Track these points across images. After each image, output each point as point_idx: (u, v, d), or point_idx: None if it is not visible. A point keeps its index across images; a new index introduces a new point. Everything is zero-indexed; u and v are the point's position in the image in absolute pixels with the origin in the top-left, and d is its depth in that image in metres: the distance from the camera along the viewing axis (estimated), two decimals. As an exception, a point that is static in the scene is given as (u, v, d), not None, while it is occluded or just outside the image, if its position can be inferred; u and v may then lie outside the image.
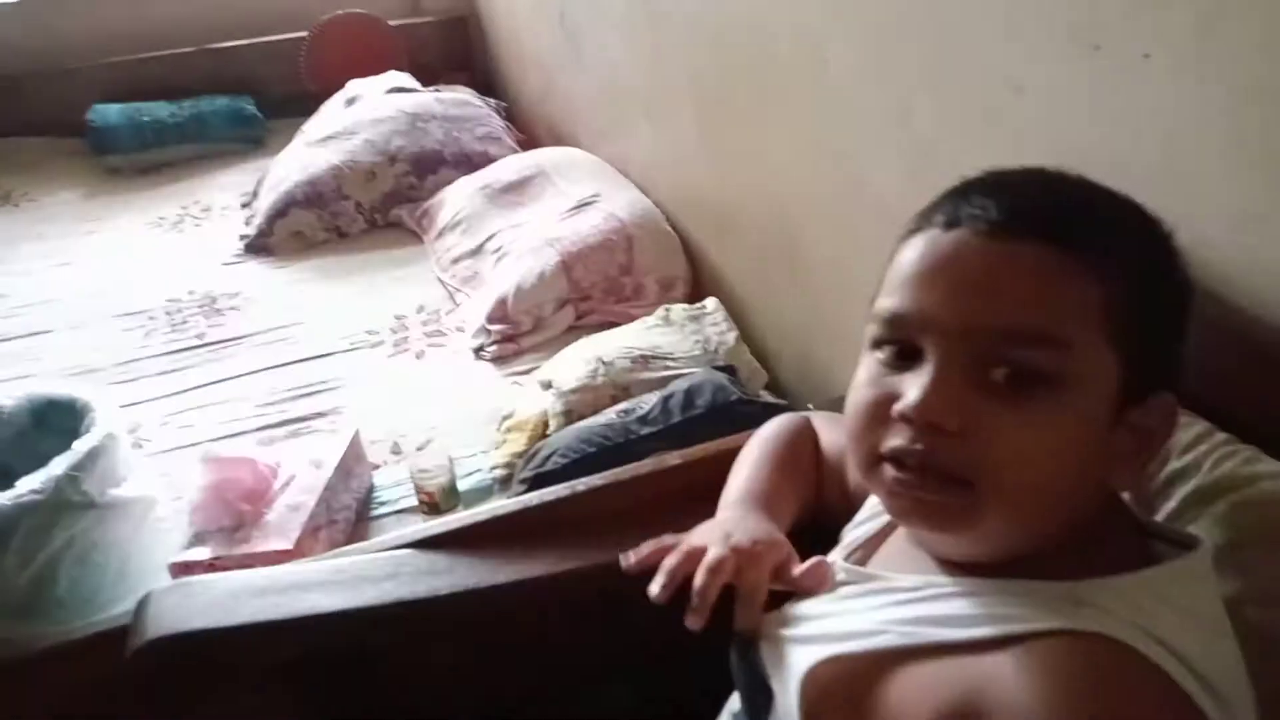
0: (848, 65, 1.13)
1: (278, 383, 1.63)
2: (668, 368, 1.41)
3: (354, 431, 1.29)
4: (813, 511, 0.74)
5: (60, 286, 2.02)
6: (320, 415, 1.53)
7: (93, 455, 1.00)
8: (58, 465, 0.98)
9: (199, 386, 1.64)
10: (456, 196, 2.10)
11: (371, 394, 1.58)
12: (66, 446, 1.08)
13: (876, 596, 0.53)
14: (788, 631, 0.57)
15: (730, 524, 0.65)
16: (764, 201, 1.45)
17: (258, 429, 1.49)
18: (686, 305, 1.57)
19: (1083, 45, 0.76)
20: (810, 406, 0.95)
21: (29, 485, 0.95)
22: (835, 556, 0.60)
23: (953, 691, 0.44)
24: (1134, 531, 0.53)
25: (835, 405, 0.94)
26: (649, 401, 1.28)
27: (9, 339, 1.82)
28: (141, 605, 0.84)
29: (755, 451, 0.76)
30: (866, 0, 1.07)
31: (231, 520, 1.11)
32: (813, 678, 0.51)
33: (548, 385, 1.42)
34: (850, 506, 0.68)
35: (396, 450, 1.43)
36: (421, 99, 2.43)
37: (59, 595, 0.98)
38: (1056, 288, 0.46)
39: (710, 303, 1.56)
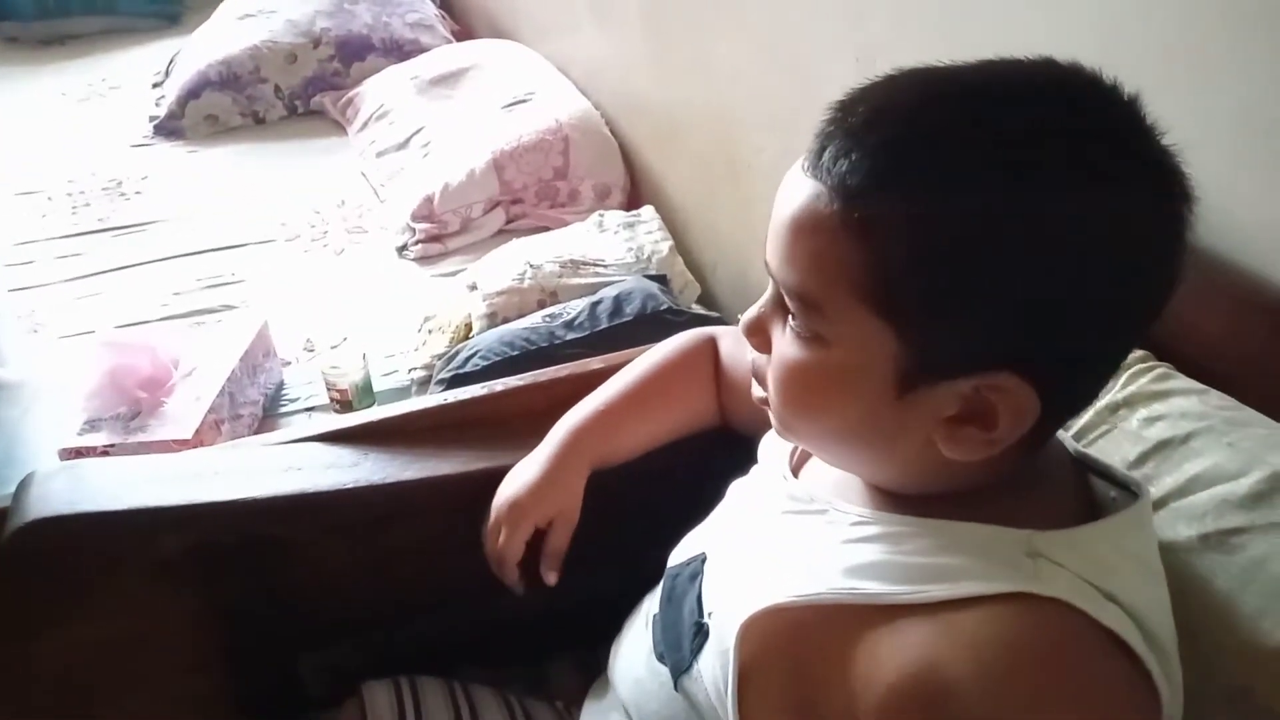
0: None
1: (184, 272, 1.55)
2: (598, 274, 1.37)
3: (262, 323, 1.23)
4: (711, 423, 0.75)
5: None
6: (229, 308, 1.46)
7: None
8: (-69, 340, 0.91)
9: (100, 273, 1.55)
10: (384, 86, 1.99)
11: (285, 289, 1.52)
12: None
13: (820, 528, 0.50)
14: (733, 559, 0.55)
15: (523, 471, 0.72)
16: (709, 110, 1.40)
17: (161, 319, 1.42)
18: (622, 212, 1.53)
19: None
20: (740, 319, 0.93)
21: (-103, 360, 0.88)
22: (775, 470, 0.58)
23: (909, 661, 0.42)
24: (1070, 467, 0.50)
25: None
26: (576, 307, 1.25)
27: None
28: (23, 486, 0.79)
29: (634, 368, 0.76)
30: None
31: (128, 407, 1.06)
32: (751, 628, 0.48)
33: (473, 287, 1.37)
34: (764, 421, 0.67)
35: (310, 348, 1.37)
36: (350, -20, 2.28)
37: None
38: (819, 246, 0.43)
39: (646, 211, 1.52)
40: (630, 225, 1.49)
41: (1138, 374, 0.63)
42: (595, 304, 1.26)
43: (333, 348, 1.35)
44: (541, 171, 1.70)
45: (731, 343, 0.77)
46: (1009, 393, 0.42)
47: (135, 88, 2.21)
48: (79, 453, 0.99)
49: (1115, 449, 0.59)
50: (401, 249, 1.62)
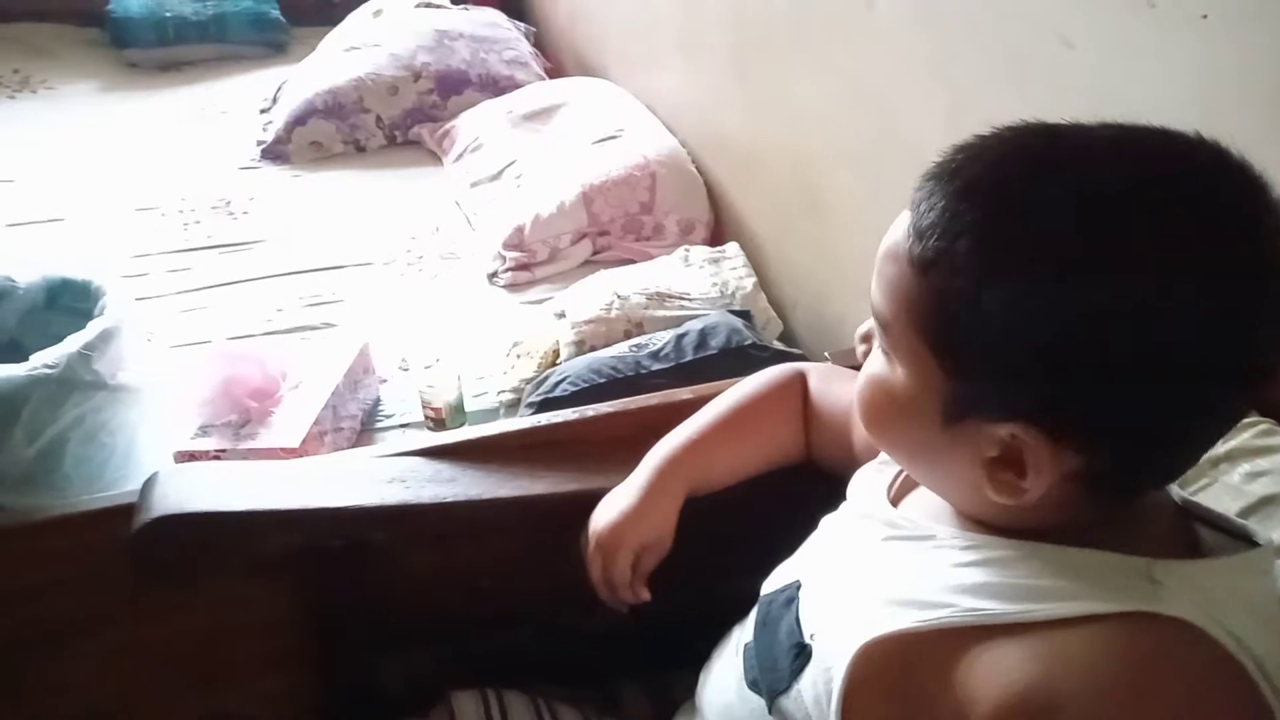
0: (893, 9, 1.11)
1: (288, 290, 1.63)
2: (683, 307, 1.40)
3: (364, 343, 1.29)
4: (798, 457, 0.77)
5: (75, 176, 1.99)
6: (329, 326, 1.53)
7: (105, 337, 1.00)
8: (71, 343, 0.98)
9: (208, 287, 1.63)
10: (479, 120, 2.07)
11: (382, 310, 1.58)
12: (78, 327, 1.08)
13: (928, 553, 0.51)
14: (833, 585, 0.56)
15: (620, 498, 0.73)
16: (792, 147, 1.43)
17: (266, 333, 1.49)
18: (708, 248, 1.56)
19: (1136, 1, 0.75)
20: (827, 356, 0.95)
21: (43, 360, 0.95)
22: (870, 502, 0.59)
23: (1022, 676, 0.42)
24: (1175, 513, 0.50)
25: (848, 358, 0.95)
26: (662, 338, 1.28)
27: (24, 224, 1.80)
28: (148, 484, 0.85)
29: (725, 399, 0.78)
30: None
31: (238, 415, 1.11)
32: (866, 653, 0.48)
33: (561, 314, 1.41)
34: (855, 458, 0.68)
35: (404, 367, 1.43)
36: (450, 16, 2.39)
37: (65, 471, 0.98)
38: (894, 273, 0.47)
39: (730, 247, 1.55)
40: (715, 261, 1.52)
41: (1240, 429, 0.63)
42: (681, 336, 1.29)
43: (427, 368, 1.41)
44: (628, 205, 1.75)
45: (819, 380, 0.79)
46: (1033, 447, 0.43)
47: (243, 112, 2.33)
48: (192, 455, 1.05)
49: (1215, 502, 0.58)
50: (492, 275, 1.68)
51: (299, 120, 2.11)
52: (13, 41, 2.53)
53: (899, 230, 0.47)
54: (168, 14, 2.56)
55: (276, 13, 2.67)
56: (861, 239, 1.26)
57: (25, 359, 1.06)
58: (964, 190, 0.44)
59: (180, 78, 2.52)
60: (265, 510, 0.81)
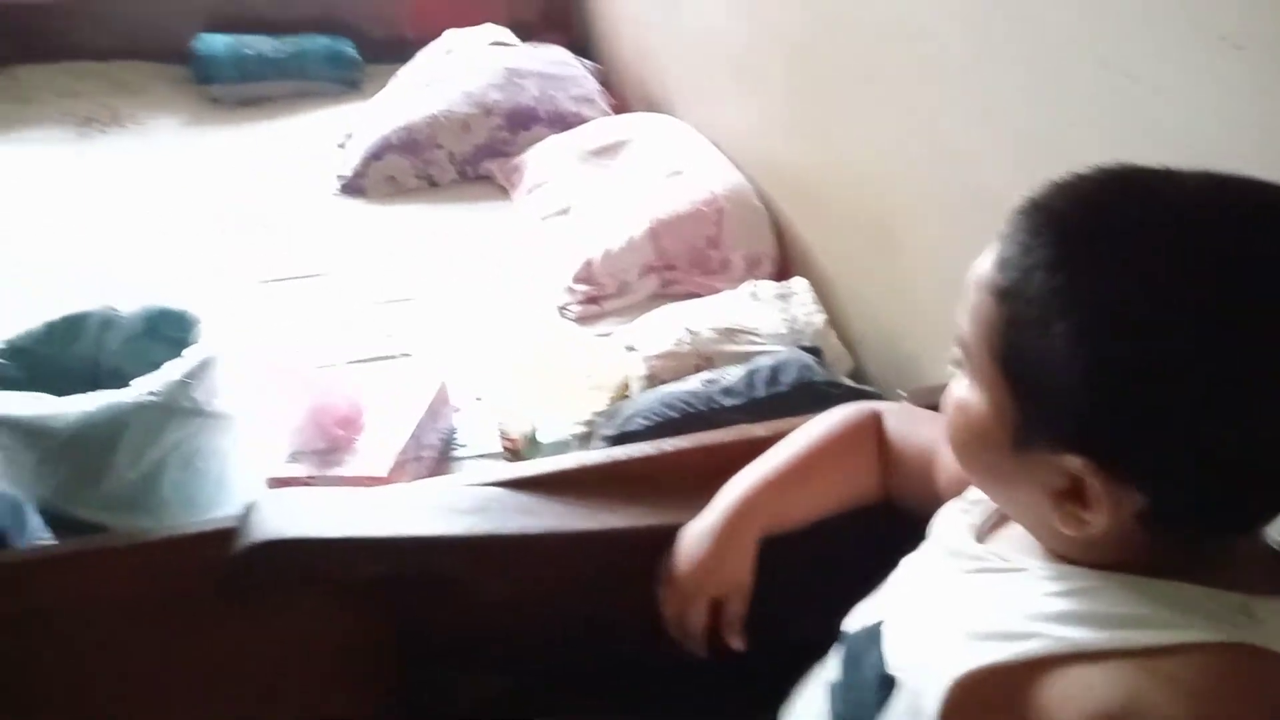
0: (964, 46, 1.11)
1: (365, 320, 1.67)
2: (753, 343, 1.41)
3: (443, 374, 1.32)
4: (873, 498, 0.77)
5: (162, 205, 2.08)
6: (406, 355, 1.57)
7: (202, 365, 1.04)
8: (171, 371, 1.02)
9: (290, 314, 1.68)
10: (548, 155, 2.11)
11: (455, 341, 1.61)
12: (174, 355, 1.13)
13: (1019, 585, 0.51)
14: (919, 620, 0.56)
15: (696, 541, 0.74)
16: (858, 182, 1.44)
17: (346, 362, 1.53)
18: (775, 283, 1.57)
19: (1223, 44, 0.74)
20: (902, 394, 0.95)
21: (146, 387, 0.99)
22: (955, 539, 0.59)
23: (1109, 700, 0.43)
24: (1273, 554, 0.50)
25: (925, 396, 0.95)
26: (733, 374, 1.29)
27: (110, 249, 1.88)
28: (250, 509, 0.88)
29: (800, 438, 0.78)
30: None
31: (326, 443, 1.15)
32: (960, 687, 0.49)
33: (632, 349, 1.43)
34: (936, 498, 0.68)
35: (478, 397, 1.46)
36: (519, 55, 2.45)
37: (163, 496, 1.02)
38: (977, 300, 0.49)
39: (799, 283, 1.56)
40: (784, 297, 1.53)
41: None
42: (752, 372, 1.29)
43: (501, 399, 1.43)
44: (695, 240, 1.77)
45: (896, 420, 0.79)
46: (1093, 482, 0.45)
47: (320, 147, 2.41)
48: (284, 482, 1.09)
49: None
50: (562, 308, 1.71)
51: (375, 156, 2.18)
52: (104, 79, 2.66)
53: (986, 259, 0.50)
54: (249, 51, 2.67)
55: (352, 50, 2.77)
56: (934, 276, 1.26)
57: (126, 385, 1.11)
58: (1044, 225, 0.46)
59: (259, 112, 2.62)
60: (360, 538, 0.84)
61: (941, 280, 1.24)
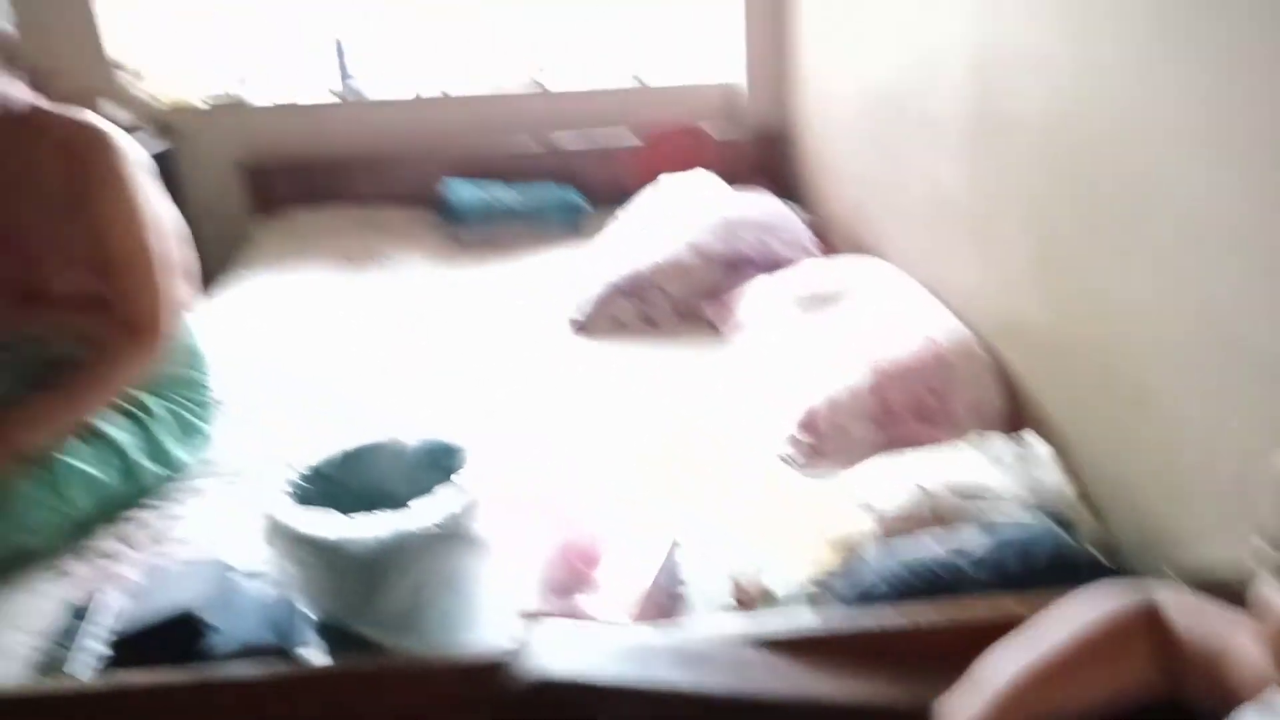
0: (1228, 201, 1.08)
1: (598, 456, 1.75)
2: (996, 507, 1.37)
3: (680, 517, 1.36)
4: (1151, 695, 0.72)
5: (414, 337, 2.30)
6: (635, 495, 1.62)
7: (472, 497, 1.13)
8: (449, 501, 1.11)
9: (532, 448, 1.79)
10: (763, 298, 2.18)
11: (681, 482, 1.66)
12: (443, 483, 1.23)
13: None
14: None
15: None
16: (1109, 339, 1.40)
17: (582, 497, 1.61)
18: (1013, 442, 1.53)
19: None
20: (1167, 573, 0.89)
21: (427, 514, 1.09)
22: None
23: None
24: None
25: (1195, 578, 0.88)
26: (979, 541, 1.25)
27: (373, 378, 2.09)
28: (524, 646, 0.93)
29: (1066, 623, 0.75)
30: (1266, 129, 1.03)
31: (573, 579, 1.20)
32: None
33: (862, 503, 1.42)
34: (1230, 699, 0.64)
35: (704, 542, 1.48)
36: (735, 204, 2.58)
37: (431, 619, 1.10)
38: None
39: (1039, 444, 1.51)
40: (1024, 459, 1.48)
41: None
42: (1002, 543, 1.25)
43: (725, 544, 1.45)
44: (919, 391, 1.75)
45: (1181, 613, 0.75)
46: None
47: (551, 286, 2.60)
48: (536, 615, 1.14)
49: None
50: (783, 456, 1.73)
51: (602, 297, 2.33)
52: (365, 222, 3.02)
53: None
54: (490, 198, 2.97)
55: (580, 198, 3.02)
56: (1201, 446, 1.19)
57: (404, 508, 1.21)
58: None
59: (495, 253, 2.87)
60: (635, 689, 0.87)
61: (1210, 451, 1.16)
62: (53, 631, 1.27)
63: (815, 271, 2.21)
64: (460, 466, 1.23)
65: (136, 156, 1.60)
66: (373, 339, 2.30)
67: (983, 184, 1.83)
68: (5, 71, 1.50)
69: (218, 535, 1.50)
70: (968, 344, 1.81)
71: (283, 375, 2.09)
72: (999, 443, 1.53)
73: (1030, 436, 1.54)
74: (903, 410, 1.75)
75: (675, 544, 1.36)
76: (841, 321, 1.99)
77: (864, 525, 1.38)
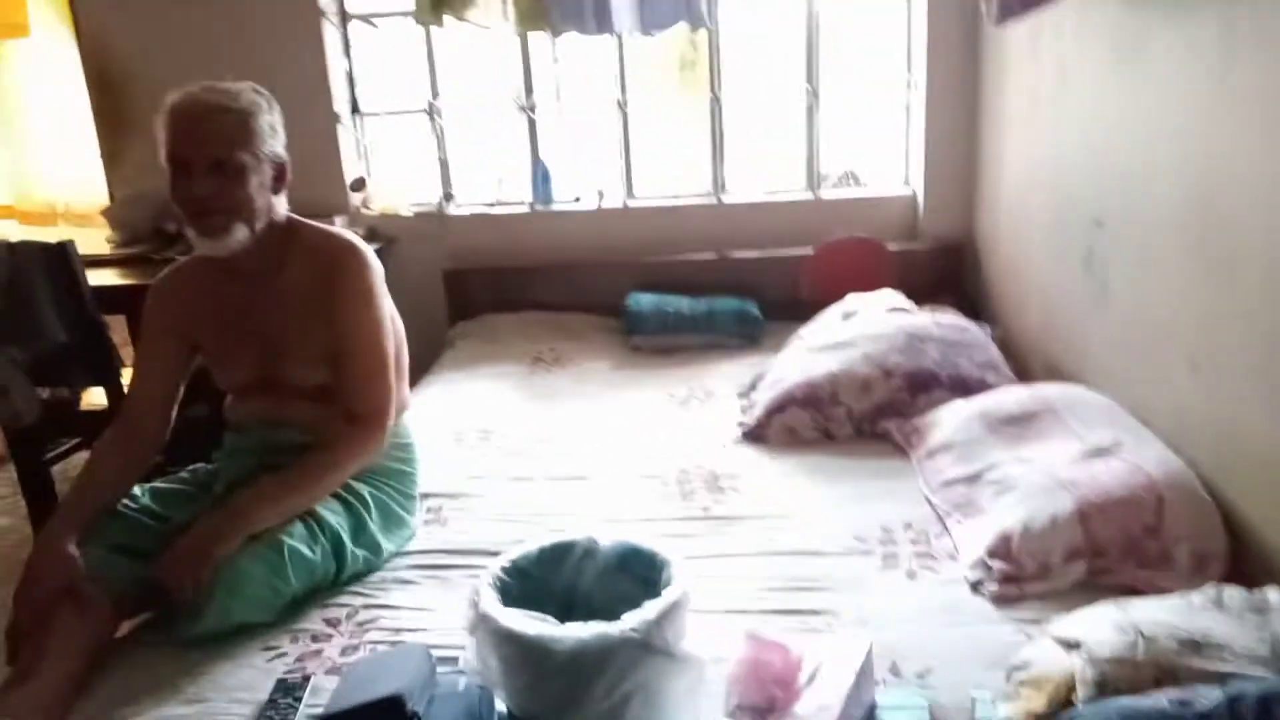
0: None
1: (773, 570, 1.73)
2: (1225, 661, 1.24)
3: (869, 644, 1.31)
4: None
5: (595, 440, 2.37)
6: (815, 613, 1.58)
7: (674, 607, 1.14)
8: (650, 610, 1.13)
9: (703, 556, 1.79)
10: (952, 419, 2.12)
11: (864, 604, 1.60)
12: (639, 590, 1.25)
13: None
14: None
15: None
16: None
17: (758, 611, 1.58)
18: (1245, 591, 1.39)
19: None
20: None
21: (630, 622, 1.11)
22: None
23: None
24: None
25: None
26: (1210, 697, 1.13)
27: (558, 478, 2.16)
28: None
29: None
30: None
31: (764, 701, 1.18)
32: None
33: (1071, 645, 1.33)
34: None
35: (895, 671, 1.42)
36: (920, 320, 2.54)
37: (626, 727, 1.10)
38: None
39: (1275, 595, 1.37)
40: (1260, 611, 1.34)
41: None
42: (1234, 700, 1.13)
43: (918, 676, 1.38)
44: (1130, 528, 1.64)
45: None
46: None
47: (724, 395, 2.63)
48: (728, 734, 1.12)
49: None
50: (975, 584, 1.64)
51: (778, 408, 2.33)
52: (554, 327, 3.18)
53: None
54: (670, 309, 3.07)
55: (756, 311, 3.07)
56: None
57: (593, 614, 1.24)
58: None
59: (672, 361, 2.95)
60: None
61: None
62: (266, 704, 1.36)
63: (1011, 394, 2.14)
64: (654, 573, 1.25)
65: (376, 266, 1.78)
66: (556, 440, 2.38)
67: (1203, 307, 1.73)
68: (277, 189, 1.71)
69: (417, 623, 1.57)
70: (1185, 478, 1.69)
71: (476, 471, 2.20)
72: (1230, 591, 1.40)
73: (1272, 592, 1.40)
74: (1111, 547, 1.63)
75: (867, 672, 1.31)
76: (1039, 448, 1.90)
77: (1077, 669, 1.28)
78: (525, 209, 3.47)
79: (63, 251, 2.49)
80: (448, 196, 3.53)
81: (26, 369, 2.48)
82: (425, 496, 2.01)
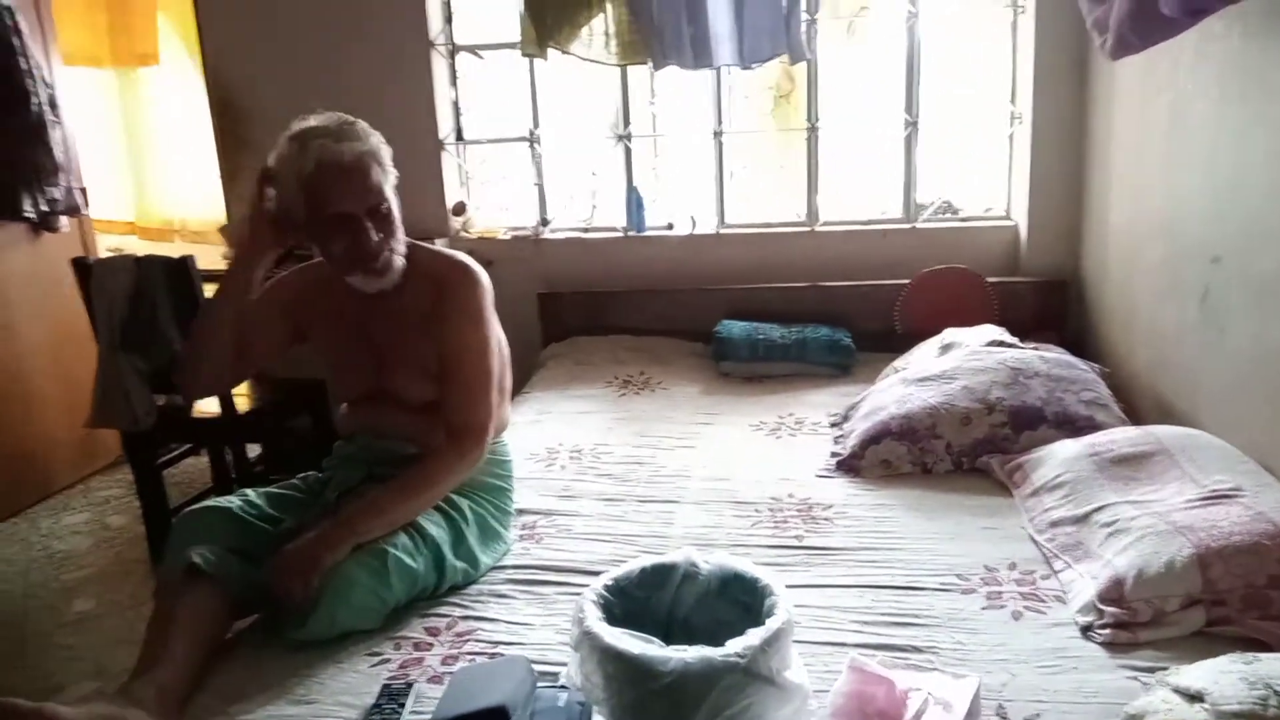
0: None
1: (871, 603, 1.69)
2: (1368, 722, 1.17)
3: (977, 683, 1.28)
4: None
5: (685, 465, 2.37)
6: (915, 650, 1.54)
7: (778, 635, 1.13)
8: (755, 636, 1.12)
9: (798, 586, 1.77)
10: (1059, 457, 2.05)
11: (966, 643, 1.56)
12: (738, 615, 1.24)
13: None
14: None
15: None
16: None
17: (856, 644, 1.55)
18: (1389, 650, 1.31)
19: None
20: None
21: (735, 648, 1.10)
22: None
23: None
24: None
25: None
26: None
27: (648, 500, 2.17)
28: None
29: None
30: None
31: (870, 735, 1.16)
32: None
33: (1194, 696, 1.26)
34: None
35: (1001, 714, 1.37)
36: (1024, 355, 2.48)
37: (727, 752, 1.09)
38: None
39: None
40: (1405, 671, 1.26)
41: None
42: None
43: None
44: (1254, 577, 1.55)
45: None
46: None
47: (815, 424, 2.61)
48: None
49: None
50: (1085, 629, 1.58)
51: (873, 439, 2.30)
52: (644, 351, 3.21)
53: None
54: (760, 336, 3.06)
55: (849, 340, 3.03)
56: None
57: (692, 636, 1.24)
58: None
59: (761, 389, 2.94)
60: None
61: None
62: (371, 708, 1.39)
63: (1122, 434, 2.06)
64: (755, 599, 1.24)
65: (487, 287, 1.83)
66: (646, 463, 2.39)
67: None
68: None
69: (514, 637, 1.59)
70: (1315, 530, 1.60)
71: (568, 490, 2.22)
72: (1370, 649, 1.32)
73: None
74: (1232, 596, 1.55)
75: (975, 712, 1.27)
76: (1153, 490, 1.82)
77: (1192, 718, 1.22)
78: (619, 234, 3.51)
79: (184, 266, 2.63)
80: (544, 221, 3.61)
81: (146, 376, 2.62)
82: (520, 513, 2.04)
